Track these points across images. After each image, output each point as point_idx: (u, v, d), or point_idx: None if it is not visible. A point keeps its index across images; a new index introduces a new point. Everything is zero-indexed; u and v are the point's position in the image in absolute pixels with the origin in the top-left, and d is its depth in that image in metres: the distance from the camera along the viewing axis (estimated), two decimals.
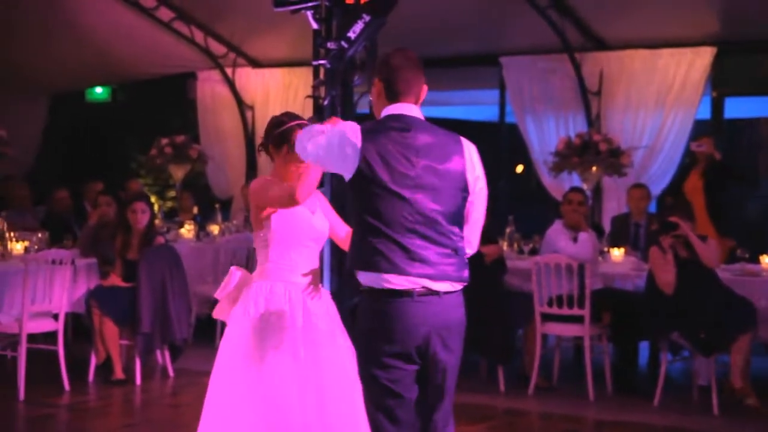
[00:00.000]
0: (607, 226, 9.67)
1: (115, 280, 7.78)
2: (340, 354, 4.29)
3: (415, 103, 3.78)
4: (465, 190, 3.71)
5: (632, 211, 9.05)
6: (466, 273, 3.72)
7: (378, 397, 3.67)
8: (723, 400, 7.01)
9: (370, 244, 3.62)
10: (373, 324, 3.66)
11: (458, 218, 3.70)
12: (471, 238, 3.81)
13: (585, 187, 9.82)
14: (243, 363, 4.23)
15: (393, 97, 3.76)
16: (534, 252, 8.47)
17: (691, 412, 7.11)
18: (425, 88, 3.83)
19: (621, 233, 8.93)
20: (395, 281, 3.60)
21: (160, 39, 12.04)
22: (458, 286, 3.71)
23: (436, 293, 3.63)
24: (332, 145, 3.65)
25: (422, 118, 3.77)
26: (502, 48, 11.27)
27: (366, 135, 3.63)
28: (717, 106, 10.82)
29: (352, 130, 3.65)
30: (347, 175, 3.65)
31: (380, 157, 3.61)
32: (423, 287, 3.61)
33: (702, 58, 10.28)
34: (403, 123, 3.69)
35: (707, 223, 8.98)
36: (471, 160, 3.74)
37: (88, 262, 8.01)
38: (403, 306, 3.60)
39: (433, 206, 3.63)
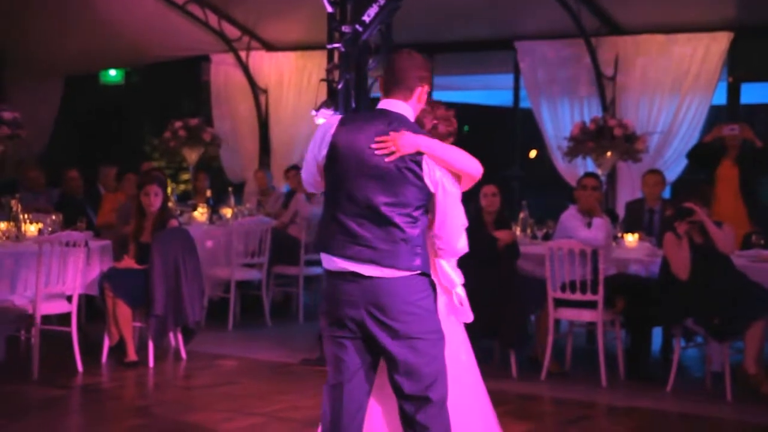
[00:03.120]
0: (621, 212, 9.63)
1: (128, 262, 7.80)
2: None
3: (406, 100, 3.90)
4: (422, 188, 3.82)
5: (646, 197, 9.00)
6: (416, 262, 3.80)
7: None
8: (736, 387, 6.98)
9: (323, 226, 3.94)
10: (322, 300, 4.02)
11: (411, 210, 3.81)
12: (445, 236, 3.89)
13: (599, 172, 9.78)
14: None
15: (385, 92, 3.95)
16: (547, 237, 8.44)
17: (704, 398, 7.08)
18: (425, 88, 3.93)
19: (635, 219, 8.89)
20: (333, 263, 3.86)
21: (174, 22, 12.03)
22: (401, 273, 3.80)
23: (369, 277, 3.80)
24: (317, 134, 3.98)
25: (405, 114, 3.89)
26: (517, 32, 11.22)
27: (340, 124, 3.91)
28: (733, 92, 10.74)
29: (333, 120, 3.95)
30: (320, 160, 3.91)
31: (344, 144, 3.85)
32: (355, 269, 3.81)
33: (718, 43, 10.21)
34: (379, 116, 3.88)
35: (741, 212, 8.92)
36: (429, 162, 3.82)
37: (102, 244, 8.02)
38: (336, 285, 3.88)
39: (383, 197, 3.78)
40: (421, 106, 3.98)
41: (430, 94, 4.02)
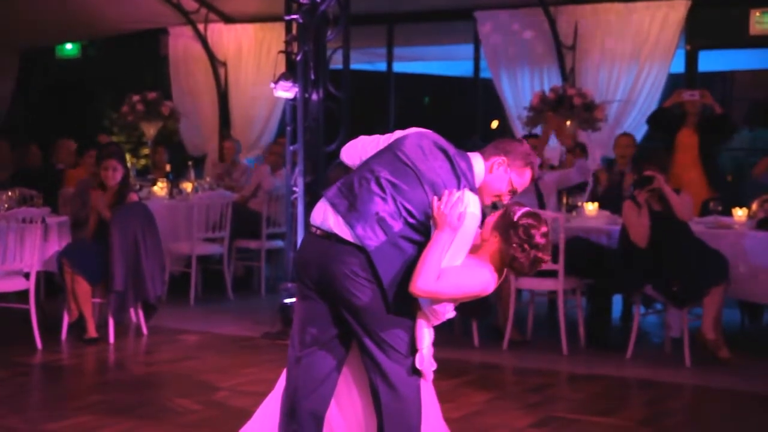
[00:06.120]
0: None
1: (89, 232, 7.72)
2: None
3: (482, 157, 4.00)
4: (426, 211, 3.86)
5: (617, 159, 9.13)
6: (368, 242, 3.76)
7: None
8: (695, 353, 7.06)
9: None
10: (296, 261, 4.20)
11: (407, 203, 3.82)
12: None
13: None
14: None
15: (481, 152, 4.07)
16: None
17: (664, 364, 7.16)
18: (498, 160, 4.00)
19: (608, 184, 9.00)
20: (313, 216, 3.95)
21: None
22: (350, 238, 3.80)
23: (329, 237, 3.83)
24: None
25: (465, 164, 3.94)
26: (477, 2, 11.19)
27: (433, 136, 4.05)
28: (691, 60, 10.79)
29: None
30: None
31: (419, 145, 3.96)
32: (323, 222, 3.88)
33: (676, 11, 10.25)
34: (451, 154, 3.94)
35: (700, 179, 8.97)
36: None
37: (60, 220, 7.93)
38: (306, 243, 3.99)
39: (390, 176, 3.86)
40: (492, 176, 3.99)
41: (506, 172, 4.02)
